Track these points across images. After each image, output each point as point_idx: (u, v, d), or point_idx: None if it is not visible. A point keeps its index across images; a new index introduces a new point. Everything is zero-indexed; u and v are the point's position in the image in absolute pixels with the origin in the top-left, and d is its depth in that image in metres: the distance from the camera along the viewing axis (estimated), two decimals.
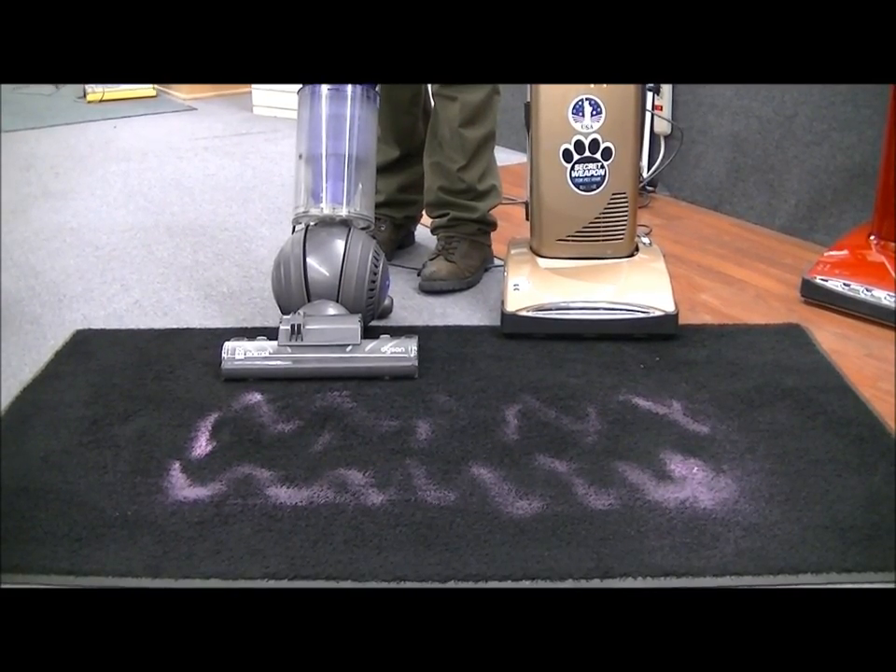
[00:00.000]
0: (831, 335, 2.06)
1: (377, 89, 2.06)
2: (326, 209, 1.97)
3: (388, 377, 1.86)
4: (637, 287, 2.03)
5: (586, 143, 2.00)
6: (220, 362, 1.86)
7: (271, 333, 1.90)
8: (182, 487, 1.53)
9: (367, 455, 1.61)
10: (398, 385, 1.84)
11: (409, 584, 1.31)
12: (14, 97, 4.67)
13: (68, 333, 2.09)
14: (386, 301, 2.10)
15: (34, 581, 1.32)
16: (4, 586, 1.30)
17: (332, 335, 1.86)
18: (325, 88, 1.99)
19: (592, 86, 1.98)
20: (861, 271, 2.17)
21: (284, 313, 1.93)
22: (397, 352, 1.86)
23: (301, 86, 2.04)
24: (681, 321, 2.03)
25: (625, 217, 2.06)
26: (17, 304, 2.27)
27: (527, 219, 2.14)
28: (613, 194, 2.04)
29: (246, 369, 1.86)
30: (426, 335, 2.01)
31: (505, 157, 3.00)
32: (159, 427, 1.70)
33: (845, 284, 2.15)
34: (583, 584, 1.31)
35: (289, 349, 1.86)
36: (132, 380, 1.87)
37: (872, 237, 2.25)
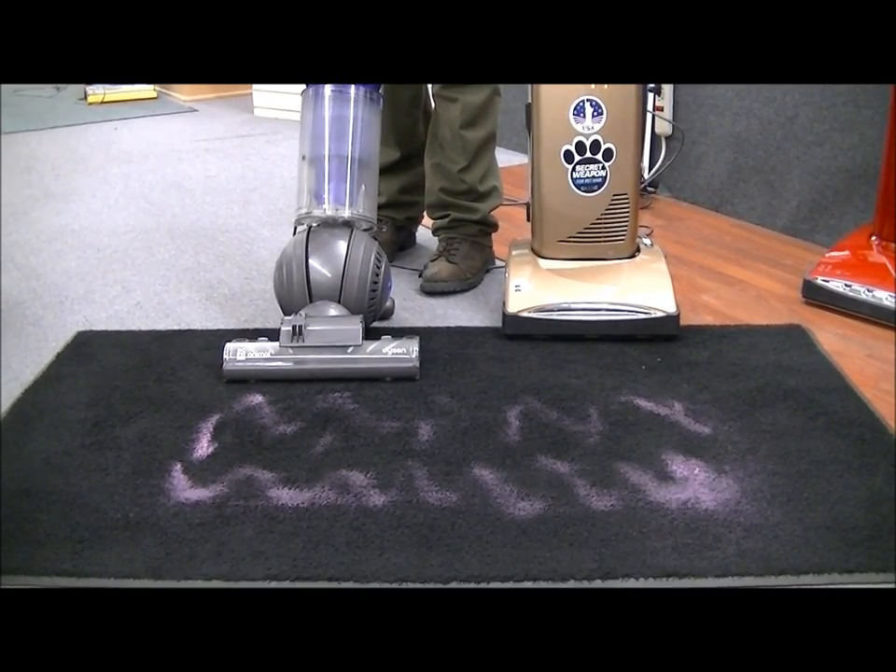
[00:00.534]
0: (832, 336, 2.06)
1: (380, 90, 2.06)
2: (328, 210, 1.97)
3: (390, 378, 1.86)
4: (638, 287, 2.03)
5: (587, 144, 2.00)
6: (222, 363, 1.86)
7: (272, 334, 1.90)
8: (184, 489, 1.53)
9: (368, 456, 1.61)
10: (399, 386, 1.84)
11: (411, 585, 1.31)
12: (15, 99, 4.67)
13: (69, 335, 2.09)
14: (388, 303, 2.10)
15: (35, 583, 1.32)
16: (4, 586, 1.30)
17: (334, 336, 1.86)
18: (328, 89, 1.99)
19: (593, 87, 1.98)
20: (862, 271, 2.17)
21: (285, 314, 1.93)
22: (398, 353, 1.86)
23: (304, 87, 2.04)
24: (683, 322, 2.03)
25: (627, 218, 2.06)
26: (18, 306, 2.27)
27: (528, 220, 2.14)
28: (614, 195, 2.04)
29: (248, 370, 1.86)
30: (427, 336, 2.01)
31: (506, 158, 3.00)
32: (160, 429, 1.70)
33: (846, 285, 2.15)
34: (585, 585, 1.31)
35: (291, 350, 1.86)
36: (133, 381, 1.87)
37: (873, 238, 2.25)
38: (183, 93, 4.86)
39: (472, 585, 1.31)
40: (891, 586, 1.29)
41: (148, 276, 2.47)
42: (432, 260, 2.36)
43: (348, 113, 2.00)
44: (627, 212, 2.06)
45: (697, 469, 1.56)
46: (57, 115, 4.44)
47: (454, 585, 1.31)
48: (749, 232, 2.77)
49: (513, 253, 2.18)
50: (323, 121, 1.99)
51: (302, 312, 1.89)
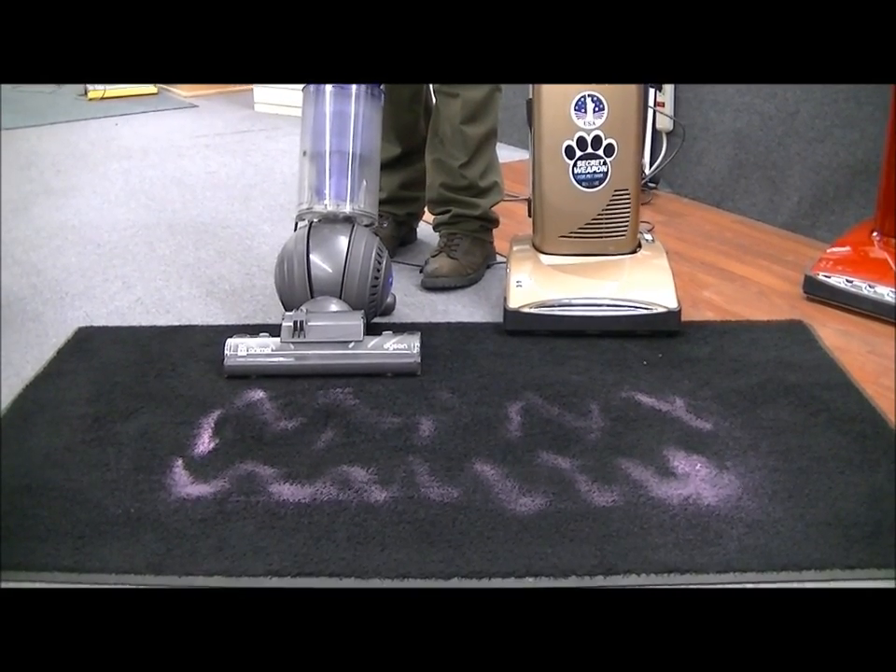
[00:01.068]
0: (833, 332, 2.06)
1: (382, 87, 2.06)
2: (329, 206, 1.96)
3: (391, 374, 1.86)
4: (639, 283, 2.03)
5: (588, 139, 2.00)
6: (223, 359, 1.86)
7: (273, 330, 1.90)
8: (185, 485, 1.53)
9: (370, 452, 1.61)
10: (400, 381, 1.84)
11: (412, 581, 1.31)
12: (15, 95, 4.67)
13: (70, 331, 2.09)
14: (389, 299, 2.10)
15: (36, 579, 1.32)
16: (4, 586, 1.30)
17: (335, 332, 1.86)
18: (329, 85, 1.99)
19: None
20: (863, 267, 2.17)
21: (287, 309, 1.93)
22: (399, 349, 1.86)
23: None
24: (684, 318, 2.02)
25: (628, 214, 2.06)
26: (19, 302, 2.27)
27: (529, 216, 2.14)
28: (616, 191, 2.04)
29: (249, 366, 1.86)
30: (428, 332, 2.01)
31: (507, 154, 2.99)
32: (161, 425, 1.70)
33: (847, 280, 2.15)
34: (587, 581, 1.31)
35: (292, 346, 1.86)
36: (134, 377, 1.87)
37: (874, 234, 2.25)
38: (183, 89, 4.86)
39: (474, 581, 1.31)
40: (892, 586, 1.29)
41: (149, 272, 2.47)
42: (433, 256, 2.36)
43: (349, 109, 1.99)
44: (628, 208, 2.06)
45: (699, 465, 1.56)
46: (57, 111, 4.43)
47: (455, 581, 1.31)
48: (751, 228, 2.77)
49: (514, 249, 2.18)
50: (324, 117, 1.99)
51: (303, 307, 1.89)
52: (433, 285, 2.30)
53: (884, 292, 2.09)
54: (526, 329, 2.03)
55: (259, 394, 1.80)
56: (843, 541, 1.37)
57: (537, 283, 2.05)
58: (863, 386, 1.80)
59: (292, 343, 1.85)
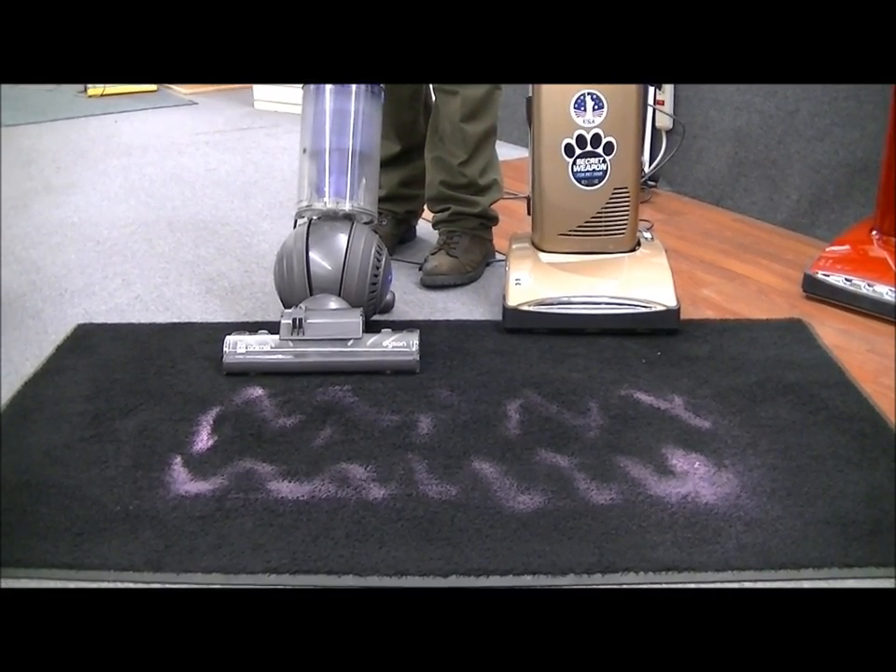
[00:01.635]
0: (832, 330, 2.06)
1: (382, 85, 2.06)
2: (329, 203, 1.96)
3: (390, 371, 1.86)
4: (638, 281, 2.03)
5: (588, 137, 2.00)
6: (222, 356, 1.86)
7: (272, 327, 1.90)
8: (183, 482, 1.53)
9: (368, 449, 1.61)
10: (399, 379, 1.84)
11: (410, 579, 1.31)
12: (15, 92, 4.66)
13: (69, 328, 2.09)
14: (388, 296, 2.10)
15: (35, 576, 1.32)
16: (4, 586, 1.30)
17: (334, 329, 1.86)
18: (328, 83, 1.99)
19: None
20: (862, 266, 2.17)
21: (286, 306, 1.93)
22: (398, 346, 1.86)
23: None
24: (683, 316, 2.02)
25: (627, 212, 2.06)
26: (18, 299, 2.27)
27: (529, 214, 2.14)
28: (615, 189, 2.04)
29: (248, 363, 1.86)
30: (427, 330, 2.01)
31: (506, 152, 2.99)
32: (160, 422, 1.70)
33: (846, 279, 2.15)
34: (585, 579, 1.31)
35: (291, 343, 1.86)
36: (133, 374, 1.87)
37: (874, 232, 2.25)
38: (183, 87, 4.86)
39: (472, 579, 1.31)
40: (891, 585, 1.29)
41: (148, 269, 2.47)
42: (432, 254, 2.36)
43: (349, 107, 1.99)
44: (628, 206, 2.06)
45: (697, 464, 1.56)
46: (57, 108, 4.43)
47: (453, 578, 1.31)
48: (750, 227, 2.77)
49: (514, 247, 2.18)
50: (324, 115, 1.99)
51: (303, 305, 1.89)
52: (432, 282, 2.30)
53: (883, 291, 2.09)
54: (525, 327, 2.03)
55: (257, 391, 1.80)
56: (841, 540, 1.37)
57: (536, 281, 2.05)
58: (862, 385, 1.80)
59: (291, 340, 1.86)
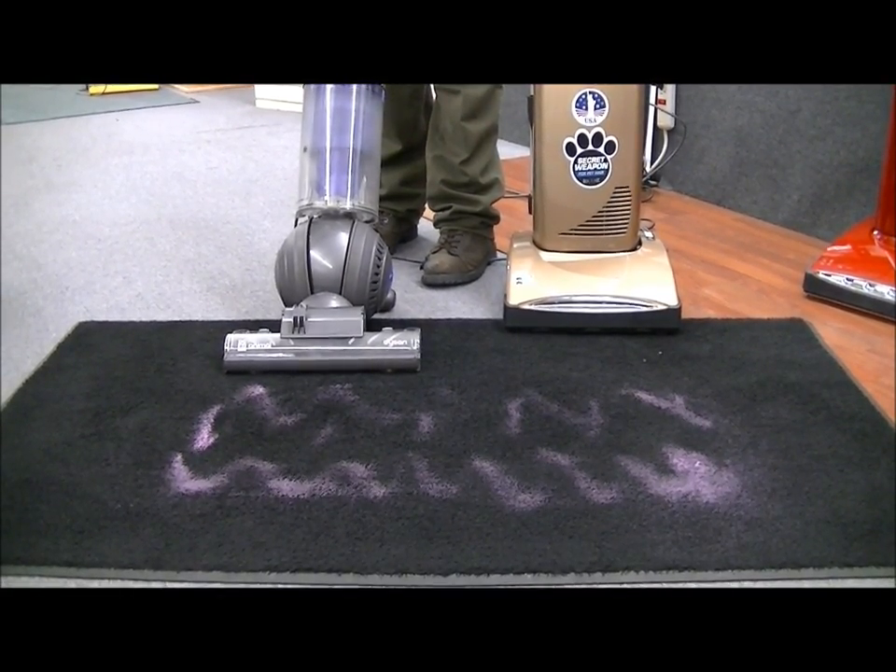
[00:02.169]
0: (833, 330, 2.06)
1: (382, 84, 2.06)
2: (329, 202, 1.96)
3: (391, 370, 1.86)
4: (639, 281, 2.03)
5: (589, 136, 2.00)
6: (222, 355, 1.86)
7: (273, 326, 1.90)
8: (184, 480, 1.53)
9: (369, 448, 1.61)
10: (400, 378, 1.84)
11: (411, 577, 1.31)
12: (16, 90, 4.65)
13: (70, 326, 2.09)
14: (389, 295, 2.10)
15: (35, 573, 1.32)
16: (4, 586, 1.30)
17: (335, 328, 1.86)
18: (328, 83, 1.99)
19: None
20: (864, 266, 2.17)
21: (287, 305, 1.93)
22: (399, 345, 1.86)
23: None
24: (684, 315, 2.02)
25: (628, 211, 2.06)
26: (19, 297, 2.27)
27: (530, 213, 2.14)
28: (616, 188, 2.04)
29: (249, 361, 1.86)
30: (428, 328, 2.01)
31: (508, 151, 2.99)
32: (161, 420, 1.70)
33: (848, 279, 2.15)
34: (585, 578, 1.31)
35: (292, 342, 1.86)
36: (134, 372, 1.87)
37: (875, 232, 2.25)
38: (184, 85, 4.86)
39: (472, 578, 1.31)
40: (891, 585, 1.29)
41: (149, 267, 2.47)
42: (433, 253, 2.36)
43: (350, 105, 1.99)
44: (629, 205, 2.05)
45: (698, 463, 1.56)
46: (58, 106, 4.43)
47: (453, 577, 1.31)
48: (751, 226, 2.77)
49: (515, 245, 2.18)
50: (325, 113, 1.99)
51: (303, 303, 1.89)
52: (433, 281, 2.30)
53: (884, 291, 2.09)
54: (526, 326, 2.03)
55: (258, 389, 1.80)
56: (842, 539, 1.37)
57: (537, 280, 2.05)
58: (863, 385, 1.80)
59: (292, 338, 1.86)
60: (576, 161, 2.02)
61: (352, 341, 1.85)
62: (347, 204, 1.96)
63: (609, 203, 2.04)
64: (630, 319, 2.00)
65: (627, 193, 2.05)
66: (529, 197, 2.13)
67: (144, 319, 2.14)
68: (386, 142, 2.36)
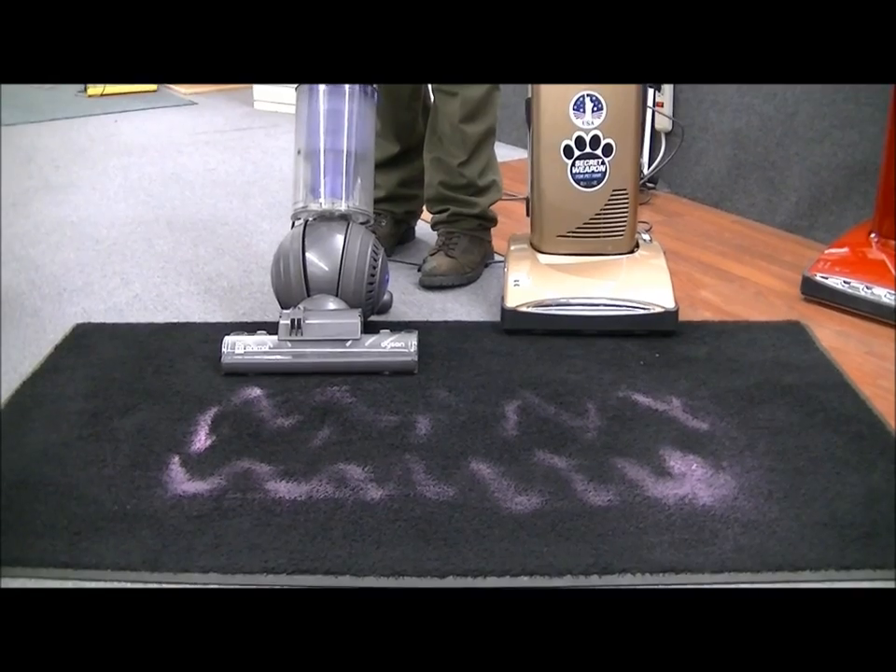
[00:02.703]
0: (831, 333, 2.06)
1: (375, 85, 2.06)
2: (325, 204, 1.96)
3: (388, 372, 1.86)
4: (637, 283, 2.03)
5: (587, 139, 2.00)
6: (220, 356, 1.86)
7: (271, 328, 1.90)
8: (181, 481, 1.53)
9: (366, 449, 1.61)
10: (397, 380, 1.84)
11: (407, 579, 1.31)
12: (14, 90, 4.65)
13: (68, 327, 2.09)
14: (386, 297, 2.10)
15: (32, 575, 1.32)
16: (4, 586, 1.30)
17: (332, 330, 1.86)
18: (323, 84, 1.99)
19: None
20: (861, 268, 2.17)
21: (283, 307, 1.93)
22: (397, 347, 1.86)
23: None
24: (681, 318, 2.03)
25: (626, 214, 2.06)
26: (17, 298, 2.27)
27: (528, 215, 2.14)
28: (614, 191, 2.04)
29: (246, 363, 1.86)
30: (425, 330, 2.01)
31: (506, 153, 3.00)
32: (158, 421, 1.70)
33: (845, 281, 2.15)
34: (582, 580, 1.31)
35: (289, 344, 1.86)
36: (131, 374, 1.87)
37: (872, 235, 2.25)
38: (183, 86, 4.85)
39: (469, 579, 1.31)
40: (890, 585, 1.29)
41: (147, 268, 2.47)
42: (431, 255, 2.36)
43: (343, 107, 1.99)
44: (626, 207, 2.06)
45: (695, 465, 1.56)
46: (57, 107, 4.43)
47: (450, 579, 1.31)
48: (749, 229, 2.77)
49: (512, 248, 2.18)
50: (318, 115, 1.99)
51: (301, 305, 1.89)
52: (431, 283, 2.30)
53: (881, 293, 2.09)
54: (524, 329, 2.03)
55: (256, 391, 1.80)
56: (839, 542, 1.37)
57: (534, 282, 2.05)
58: (860, 387, 1.80)
59: (290, 340, 1.86)
60: (574, 164, 2.02)
61: (349, 343, 1.85)
62: (342, 206, 1.96)
63: (606, 205, 2.05)
64: (627, 322, 2.00)
65: (625, 196, 2.05)
66: (527, 199, 2.13)
67: (141, 321, 2.14)
68: (384, 144, 2.37)
